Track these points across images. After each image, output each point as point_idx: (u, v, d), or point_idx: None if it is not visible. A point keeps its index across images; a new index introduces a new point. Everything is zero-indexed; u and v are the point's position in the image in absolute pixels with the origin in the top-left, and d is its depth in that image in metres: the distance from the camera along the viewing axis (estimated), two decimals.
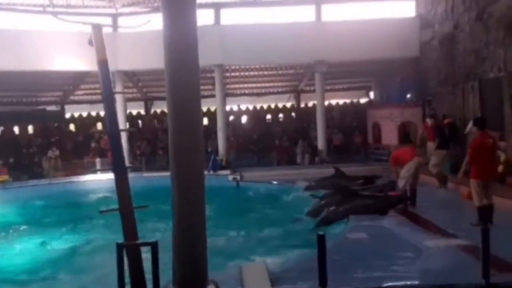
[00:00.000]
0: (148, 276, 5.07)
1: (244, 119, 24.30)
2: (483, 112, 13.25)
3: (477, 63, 13.89)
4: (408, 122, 18.40)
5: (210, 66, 18.98)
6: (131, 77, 21.65)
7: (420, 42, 18.25)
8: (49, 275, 7.92)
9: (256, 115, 24.18)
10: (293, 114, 24.41)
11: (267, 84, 23.80)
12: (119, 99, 18.51)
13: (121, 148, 6.05)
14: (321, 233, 4.90)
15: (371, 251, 7.28)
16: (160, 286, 4.86)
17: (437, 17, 16.72)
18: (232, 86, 23.37)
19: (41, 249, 9.74)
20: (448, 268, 6.37)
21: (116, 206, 5.71)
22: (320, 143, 19.45)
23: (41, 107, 22.83)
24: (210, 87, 20.50)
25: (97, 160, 19.18)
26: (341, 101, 24.55)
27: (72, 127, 23.37)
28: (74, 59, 17.59)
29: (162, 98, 20.36)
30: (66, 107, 23.34)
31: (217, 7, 19.29)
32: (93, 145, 20.77)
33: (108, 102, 6.00)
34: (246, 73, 22.38)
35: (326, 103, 21.08)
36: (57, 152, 19.59)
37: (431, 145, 13.61)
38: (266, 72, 22.37)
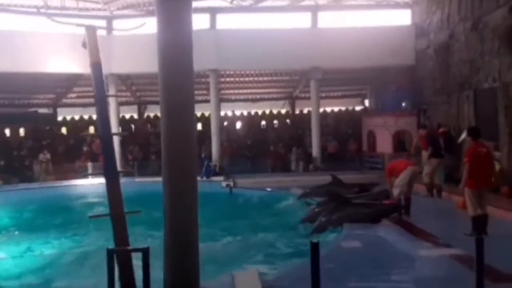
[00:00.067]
0: (139, 283, 5.01)
1: (238, 124, 24.24)
2: (478, 122, 13.28)
3: (472, 73, 13.95)
4: (403, 131, 18.44)
5: (205, 71, 18.92)
6: (124, 80, 21.52)
7: (415, 51, 18.32)
8: (37, 281, 7.80)
9: (251, 121, 24.14)
10: (287, 120, 24.38)
11: (262, 90, 23.78)
12: (112, 103, 18.41)
13: (113, 152, 6.01)
14: (314, 241, 4.85)
15: (365, 260, 7.27)
16: None
17: (433, 26, 16.80)
18: (227, 91, 23.32)
19: (30, 254, 9.60)
20: (442, 278, 6.40)
21: (107, 211, 5.66)
22: (315, 150, 19.41)
23: (33, 109, 22.66)
24: (205, 92, 20.43)
25: (89, 164, 19.00)
26: (336, 109, 24.56)
27: (64, 130, 23.18)
28: (68, 61, 17.47)
29: (156, 102, 20.21)
30: (59, 110, 23.16)
31: (213, 11, 19.28)
32: (85, 149, 20.62)
33: (101, 105, 5.97)
34: (241, 79, 22.34)
35: (321, 110, 21.08)
36: (48, 156, 19.44)
37: (425, 154, 13.60)
38: (261, 78, 22.35)
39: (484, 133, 9.49)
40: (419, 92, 17.99)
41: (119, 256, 5.25)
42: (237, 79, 22.30)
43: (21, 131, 22.19)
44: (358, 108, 24.29)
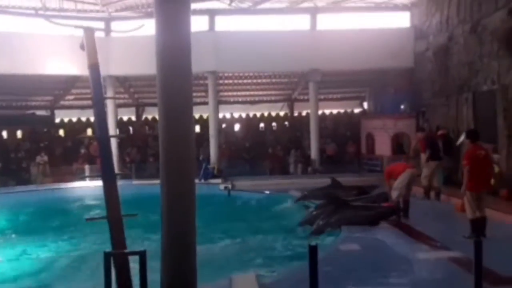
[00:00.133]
0: (136, 286, 4.95)
1: (237, 127, 24.20)
2: (477, 124, 13.28)
3: (471, 75, 13.94)
4: (402, 133, 18.43)
5: (203, 73, 18.89)
6: (122, 82, 21.48)
7: (414, 53, 18.31)
8: (34, 285, 7.75)
9: (249, 123, 24.10)
10: (286, 123, 24.35)
11: (260, 92, 23.76)
12: (110, 105, 18.35)
13: (110, 155, 6.03)
14: (313, 244, 4.82)
15: (363, 263, 7.26)
16: None
17: (432, 28, 16.81)
18: (225, 93, 23.29)
19: (26, 257, 9.55)
20: (440, 281, 6.41)
21: (104, 213, 5.65)
22: (313, 153, 19.36)
23: (31, 111, 22.60)
24: (203, 94, 20.41)
25: (86, 167, 18.93)
26: (334, 111, 24.54)
27: (61, 132, 23.11)
28: (66, 63, 17.44)
29: (154, 105, 20.11)
30: (56, 112, 23.11)
31: (211, 13, 19.25)
32: (82, 151, 20.52)
33: (98, 107, 5.98)
34: (240, 81, 22.32)
35: (320, 112, 21.06)
36: (45, 158, 19.35)
37: (424, 157, 13.59)
38: (259, 80, 22.33)
39: (483, 136, 9.48)
40: (418, 94, 17.98)
41: (116, 259, 5.24)
42: (235, 81, 22.27)
43: (19, 133, 22.07)
44: (357, 110, 24.28)
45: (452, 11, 15.13)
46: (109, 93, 18.21)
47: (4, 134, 21.78)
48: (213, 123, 19.36)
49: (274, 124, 24.26)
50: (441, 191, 12.08)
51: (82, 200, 15.22)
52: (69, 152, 20.93)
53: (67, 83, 21.01)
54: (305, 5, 19.00)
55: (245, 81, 22.30)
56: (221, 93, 22.54)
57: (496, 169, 11.10)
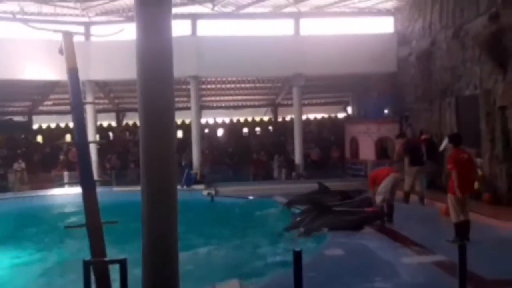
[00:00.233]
0: None
1: (220, 132, 24.08)
2: (460, 129, 13.38)
3: (454, 80, 14.07)
4: (385, 138, 18.51)
5: (185, 78, 18.78)
6: (102, 87, 21.18)
7: (397, 58, 18.47)
8: None
9: (233, 128, 24.01)
10: (270, 128, 24.33)
11: (244, 97, 23.72)
12: (89, 110, 18.15)
13: (89, 161, 5.95)
14: (297, 249, 4.74)
15: (348, 268, 7.28)
16: None
17: (415, 33, 16.96)
18: (208, 98, 23.19)
19: (2, 266, 9.25)
20: (424, 285, 6.46)
21: (83, 221, 5.56)
22: (297, 158, 19.34)
23: (8, 117, 22.20)
24: (185, 99, 20.26)
25: (65, 174, 18.61)
26: (318, 116, 24.62)
27: (39, 138, 22.72)
28: (44, 68, 17.19)
29: (135, 110, 19.92)
30: (34, 117, 22.76)
31: (193, 18, 19.15)
32: (61, 157, 20.22)
33: (77, 112, 5.91)
34: (223, 86, 22.25)
35: (304, 117, 21.08)
36: (23, 165, 18.99)
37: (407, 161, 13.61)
38: (243, 85, 22.29)
39: (466, 140, 9.54)
40: (401, 99, 18.11)
41: (96, 267, 5.13)
42: (218, 86, 22.19)
43: None
44: (340, 115, 24.40)
45: (435, 16, 15.28)
46: (89, 98, 17.94)
47: None
48: (196, 128, 19.23)
49: (257, 129, 24.24)
50: (424, 195, 12.11)
51: (61, 207, 14.91)
52: (48, 158, 20.61)
53: (46, 88, 20.68)
54: (289, 10, 19.03)
55: (228, 86, 22.24)
56: (204, 98, 22.43)
57: (479, 173, 11.17)
